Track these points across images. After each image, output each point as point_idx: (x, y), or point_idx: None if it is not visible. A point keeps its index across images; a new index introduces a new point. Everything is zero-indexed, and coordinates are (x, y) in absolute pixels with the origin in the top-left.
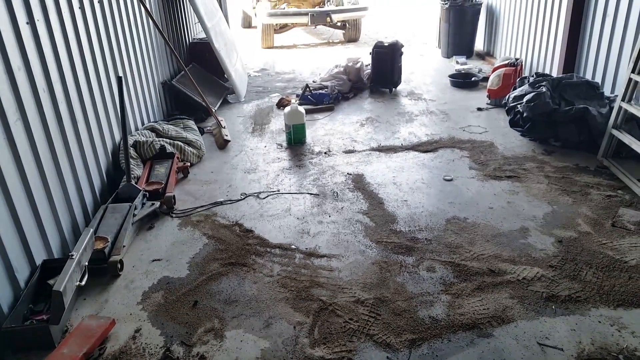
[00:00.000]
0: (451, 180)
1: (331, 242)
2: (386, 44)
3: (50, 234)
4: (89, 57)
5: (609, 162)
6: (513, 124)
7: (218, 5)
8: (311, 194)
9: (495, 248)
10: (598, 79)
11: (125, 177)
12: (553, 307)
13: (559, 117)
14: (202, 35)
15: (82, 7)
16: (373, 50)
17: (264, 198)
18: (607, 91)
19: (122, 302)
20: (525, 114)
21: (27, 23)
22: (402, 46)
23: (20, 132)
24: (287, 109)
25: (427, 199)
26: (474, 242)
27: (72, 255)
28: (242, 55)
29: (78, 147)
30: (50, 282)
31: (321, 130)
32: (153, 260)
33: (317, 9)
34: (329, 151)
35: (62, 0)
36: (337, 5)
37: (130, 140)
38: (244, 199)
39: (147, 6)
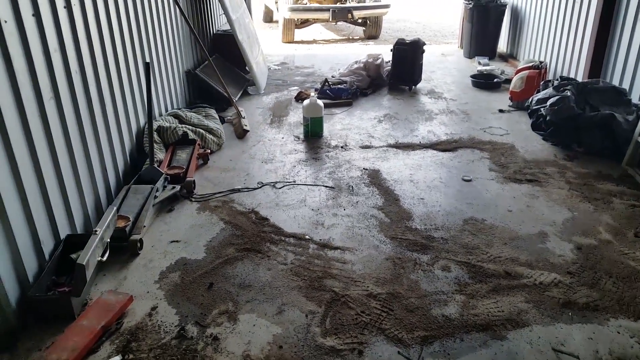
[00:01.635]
0: (470, 180)
1: (345, 235)
2: (407, 42)
3: (75, 210)
4: (119, 42)
5: (633, 171)
6: (535, 127)
7: None
8: (327, 186)
9: (512, 251)
10: (626, 85)
11: (148, 160)
12: (570, 314)
13: (583, 122)
14: (226, 27)
15: None
16: (394, 47)
17: (280, 188)
18: (635, 98)
19: (140, 280)
20: (548, 118)
21: (65, 7)
22: (424, 44)
23: (53, 111)
24: (306, 102)
25: (444, 198)
26: (491, 244)
27: (96, 231)
28: (263, 49)
29: (105, 129)
30: (73, 256)
31: (339, 125)
32: (171, 242)
33: (338, 5)
34: (346, 145)
35: None
36: (358, 2)
37: (155, 125)
38: (260, 187)
39: None
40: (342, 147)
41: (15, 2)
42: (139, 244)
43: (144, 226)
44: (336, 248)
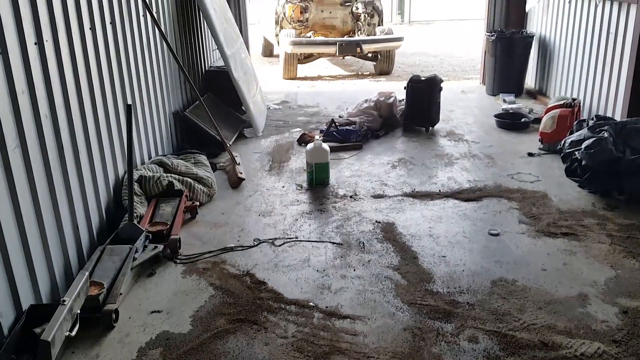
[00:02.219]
0: (497, 235)
1: (355, 300)
2: (423, 78)
3: (41, 276)
4: (96, 82)
5: None
6: (570, 173)
7: (239, 31)
8: (334, 243)
9: (548, 317)
10: None
11: (127, 215)
12: None
13: (624, 166)
14: (220, 63)
15: (92, 28)
16: (408, 84)
17: (279, 245)
18: None
19: (115, 359)
20: (583, 162)
21: (35, 44)
22: (441, 81)
23: (18, 161)
24: (310, 145)
25: (469, 255)
26: (524, 309)
27: (64, 301)
28: (261, 86)
29: (78, 181)
30: (37, 330)
31: (347, 171)
32: (152, 312)
33: (346, 38)
34: (355, 195)
35: (72, 20)
36: (368, 35)
37: (136, 175)
38: (257, 245)
39: (163, 29)
40: (351, 196)
41: None
42: (114, 315)
43: (121, 294)
44: (345, 317)
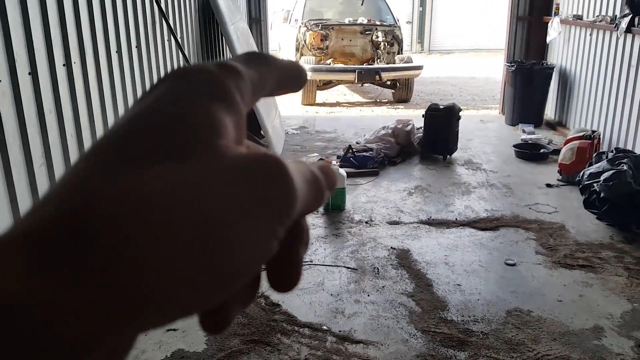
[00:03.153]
0: (514, 265)
1: (369, 326)
2: (442, 107)
3: None
4: (121, 104)
5: None
6: (588, 205)
7: None
8: (348, 267)
9: (563, 349)
10: None
11: None
12: None
13: None
14: None
15: (119, 51)
16: (426, 113)
17: None
18: None
19: None
20: (602, 195)
21: (64, 65)
22: (460, 110)
23: (43, 179)
24: None
25: (484, 284)
26: (539, 340)
27: None
28: (280, 111)
29: None
30: None
31: (363, 197)
32: (168, 330)
33: (365, 66)
34: (371, 221)
35: (100, 43)
36: (387, 63)
37: None
38: None
39: (186, 53)
40: (366, 222)
41: (12, 59)
42: None
43: None
44: (358, 342)
